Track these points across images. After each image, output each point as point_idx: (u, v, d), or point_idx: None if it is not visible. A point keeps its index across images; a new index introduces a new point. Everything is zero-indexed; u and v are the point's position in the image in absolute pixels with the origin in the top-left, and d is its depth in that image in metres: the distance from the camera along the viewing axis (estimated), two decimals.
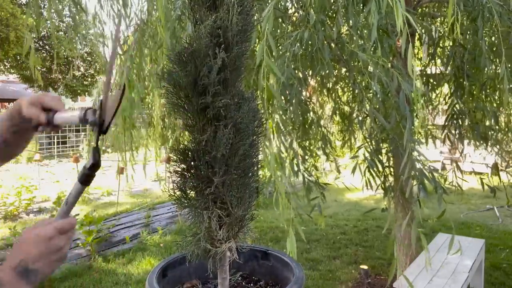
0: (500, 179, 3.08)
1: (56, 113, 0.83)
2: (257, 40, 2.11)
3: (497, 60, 2.86)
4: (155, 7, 3.14)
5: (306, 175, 2.49)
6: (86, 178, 0.78)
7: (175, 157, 0.88)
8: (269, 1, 2.17)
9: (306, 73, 2.72)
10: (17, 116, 0.86)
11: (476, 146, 3.31)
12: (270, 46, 1.65)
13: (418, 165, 1.99)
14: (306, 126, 2.80)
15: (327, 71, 2.22)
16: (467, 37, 2.75)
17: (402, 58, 2.84)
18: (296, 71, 2.47)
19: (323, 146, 2.79)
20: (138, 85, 2.97)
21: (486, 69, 2.70)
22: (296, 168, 2.27)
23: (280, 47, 2.25)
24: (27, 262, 0.67)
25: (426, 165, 2.05)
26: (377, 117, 2.09)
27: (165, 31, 1.92)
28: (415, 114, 2.55)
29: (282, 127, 2.01)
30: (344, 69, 3.27)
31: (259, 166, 0.92)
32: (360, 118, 2.58)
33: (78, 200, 0.80)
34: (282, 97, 2.13)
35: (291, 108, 2.20)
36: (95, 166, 0.77)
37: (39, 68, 2.54)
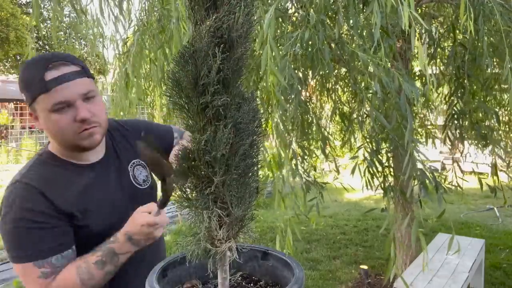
0: (498, 179, 3.06)
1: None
2: (256, 41, 2.11)
3: (495, 60, 2.86)
4: (155, 7, 3.15)
5: (304, 176, 2.49)
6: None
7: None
8: (269, 1, 2.17)
9: (306, 73, 2.72)
10: None
11: (476, 146, 3.30)
12: (273, 54, 1.67)
13: (419, 165, 1.99)
14: (305, 127, 2.80)
15: (327, 71, 2.22)
16: (467, 36, 2.75)
17: (402, 58, 2.84)
18: (296, 71, 2.47)
19: (322, 146, 2.79)
20: (136, 84, 2.98)
21: (487, 69, 2.69)
22: (294, 168, 2.27)
23: (280, 48, 2.25)
24: (132, 233, 1.07)
25: (427, 165, 2.05)
26: (378, 117, 2.09)
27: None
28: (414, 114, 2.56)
29: (281, 127, 2.01)
30: (344, 69, 3.28)
31: (259, 166, 0.92)
32: (360, 118, 2.58)
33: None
34: (283, 98, 2.13)
35: (291, 107, 2.20)
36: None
37: None
